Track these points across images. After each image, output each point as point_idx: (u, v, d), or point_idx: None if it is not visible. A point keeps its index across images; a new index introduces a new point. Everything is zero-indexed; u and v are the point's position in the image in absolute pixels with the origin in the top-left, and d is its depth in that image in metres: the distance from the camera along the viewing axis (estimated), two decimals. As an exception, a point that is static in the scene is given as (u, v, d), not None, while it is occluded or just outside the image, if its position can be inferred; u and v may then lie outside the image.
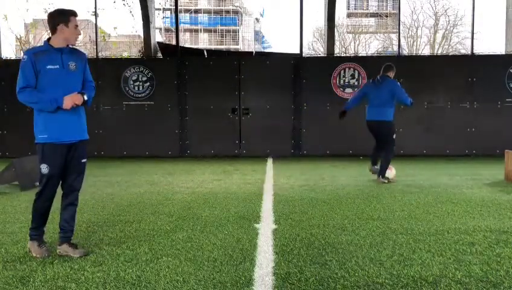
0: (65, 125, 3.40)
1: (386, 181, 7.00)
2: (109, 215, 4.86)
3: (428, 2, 44.36)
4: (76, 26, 3.45)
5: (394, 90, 6.94)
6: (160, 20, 36.62)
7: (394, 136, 7.09)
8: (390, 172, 7.14)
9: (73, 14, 3.45)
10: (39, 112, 3.39)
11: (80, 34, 3.55)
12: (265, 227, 4.28)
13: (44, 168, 3.37)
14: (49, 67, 3.32)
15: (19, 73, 3.33)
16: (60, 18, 3.39)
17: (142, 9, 13.01)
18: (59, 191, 3.53)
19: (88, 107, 3.63)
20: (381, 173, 7.06)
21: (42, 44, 3.50)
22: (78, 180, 3.54)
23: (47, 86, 3.33)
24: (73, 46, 3.55)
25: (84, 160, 3.55)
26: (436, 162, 10.31)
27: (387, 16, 39.77)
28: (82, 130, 3.53)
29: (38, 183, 3.49)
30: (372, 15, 40.66)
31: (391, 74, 7.12)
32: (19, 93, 3.33)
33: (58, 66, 3.35)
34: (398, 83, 7.13)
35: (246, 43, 44.22)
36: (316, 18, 58.15)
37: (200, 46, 37.99)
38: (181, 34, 22.90)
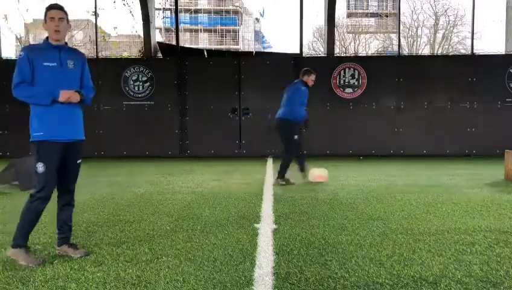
0: (61, 124, 3.34)
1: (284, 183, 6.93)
2: (109, 215, 4.85)
3: (428, 2, 44.28)
4: (52, 18, 3.32)
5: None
6: (160, 20, 36.59)
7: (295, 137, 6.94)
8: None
9: (48, 8, 3.37)
10: (35, 110, 3.32)
11: (55, 27, 3.33)
12: (265, 227, 4.27)
13: (40, 167, 3.29)
14: (46, 64, 3.29)
15: (15, 69, 3.29)
16: (44, 16, 3.37)
17: (142, 9, 13.03)
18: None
19: (87, 106, 3.58)
20: (282, 172, 7.02)
21: (42, 42, 3.45)
22: (73, 181, 3.49)
23: (43, 82, 3.28)
24: (73, 46, 3.50)
25: (79, 161, 3.50)
26: (436, 162, 10.31)
27: (387, 16, 39.77)
28: (78, 130, 3.46)
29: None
30: (372, 15, 40.65)
31: (304, 78, 7.01)
32: (14, 88, 3.27)
33: (56, 64, 3.32)
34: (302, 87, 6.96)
35: (246, 43, 44.20)
36: (316, 18, 58.23)
37: (200, 46, 37.97)
38: (181, 34, 22.86)
